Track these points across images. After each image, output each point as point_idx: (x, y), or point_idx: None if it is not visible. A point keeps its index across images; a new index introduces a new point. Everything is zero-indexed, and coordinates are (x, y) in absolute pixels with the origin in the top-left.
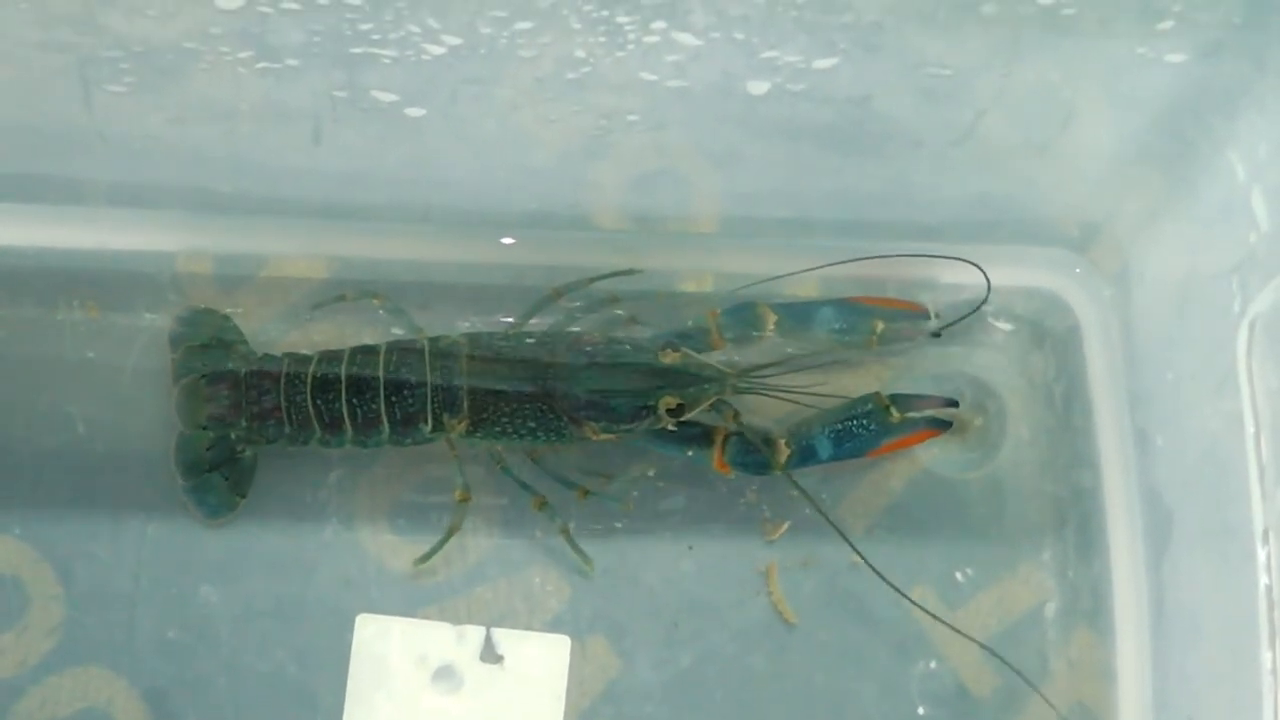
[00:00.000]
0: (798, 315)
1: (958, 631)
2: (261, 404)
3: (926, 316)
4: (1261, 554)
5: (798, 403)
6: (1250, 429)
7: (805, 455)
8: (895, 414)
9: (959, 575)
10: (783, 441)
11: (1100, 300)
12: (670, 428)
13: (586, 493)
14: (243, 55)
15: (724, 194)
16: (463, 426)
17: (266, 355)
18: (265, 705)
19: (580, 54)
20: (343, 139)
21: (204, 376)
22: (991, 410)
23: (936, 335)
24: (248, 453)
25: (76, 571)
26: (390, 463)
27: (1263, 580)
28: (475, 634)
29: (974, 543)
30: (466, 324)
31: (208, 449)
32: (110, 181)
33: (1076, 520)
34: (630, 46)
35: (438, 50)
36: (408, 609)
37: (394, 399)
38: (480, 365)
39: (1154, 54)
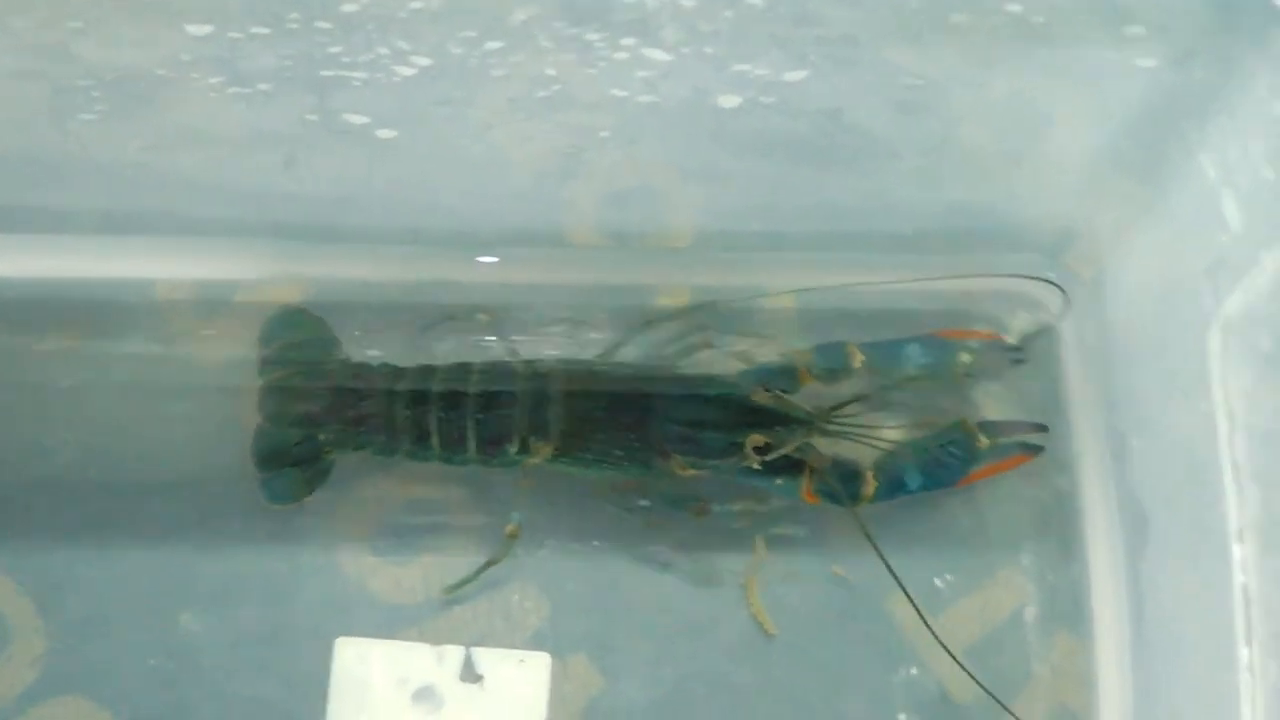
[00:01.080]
0: (884, 353)
1: (969, 674)
2: (358, 409)
3: (1006, 345)
4: (1237, 553)
5: (882, 442)
6: (1224, 429)
7: (893, 487)
8: (984, 440)
9: (939, 582)
10: (870, 474)
11: (1077, 306)
12: (755, 466)
13: (702, 511)
14: (214, 81)
15: (699, 208)
16: (549, 451)
17: (362, 362)
18: None
19: (551, 72)
20: (316, 163)
21: (299, 375)
22: (969, 416)
23: (1020, 361)
24: (331, 455)
25: (61, 600)
26: (370, 484)
27: (1239, 579)
28: (455, 654)
29: (953, 549)
30: (450, 346)
31: (295, 445)
32: (88, 209)
33: (1055, 524)
34: (601, 64)
35: (408, 72)
36: (388, 631)
37: (481, 417)
38: (574, 390)
39: (1125, 60)
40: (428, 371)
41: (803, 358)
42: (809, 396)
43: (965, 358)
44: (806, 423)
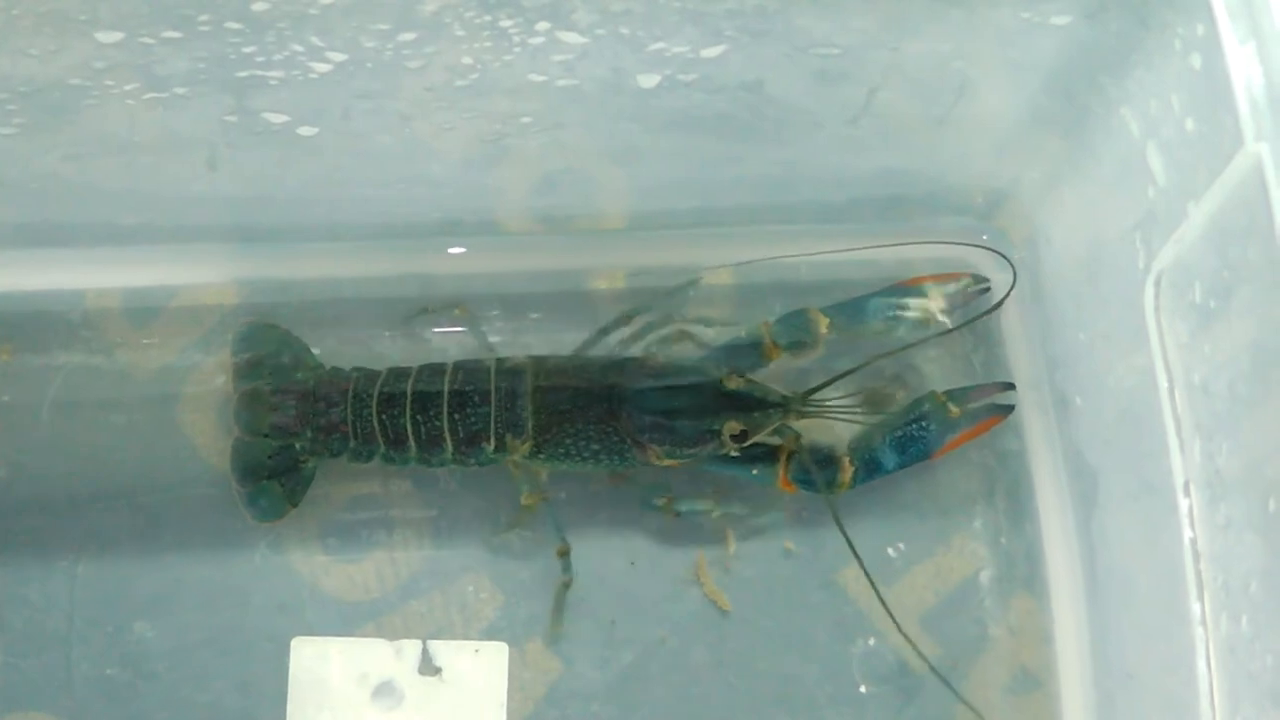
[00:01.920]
0: (849, 313)
1: (916, 650)
2: (329, 416)
3: (976, 279)
4: (1184, 506)
5: (860, 422)
6: (1164, 384)
7: (871, 469)
8: (954, 409)
9: (891, 551)
10: (847, 459)
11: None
12: (733, 453)
13: (674, 510)
14: (129, 87)
15: (629, 189)
16: (526, 448)
17: (335, 368)
18: None
19: (468, 60)
20: (239, 163)
21: (269, 385)
22: (913, 383)
23: (985, 290)
24: (310, 464)
25: (9, 617)
26: (317, 483)
27: (1187, 533)
28: (412, 648)
29: (905, 517)
30: (388, 336)
31: (270, 457)
32: (13, 223)
33: (1005, 487)
34: (517, 49)
35: (324, 68)
36: (344, 629)
37: (457, 417)
38: (546, 386)
39: (1040, 18)
40: (400, 374)
41: (766, 329)
42: (781, 371)
43: (928, 301)
44: (782, 406)
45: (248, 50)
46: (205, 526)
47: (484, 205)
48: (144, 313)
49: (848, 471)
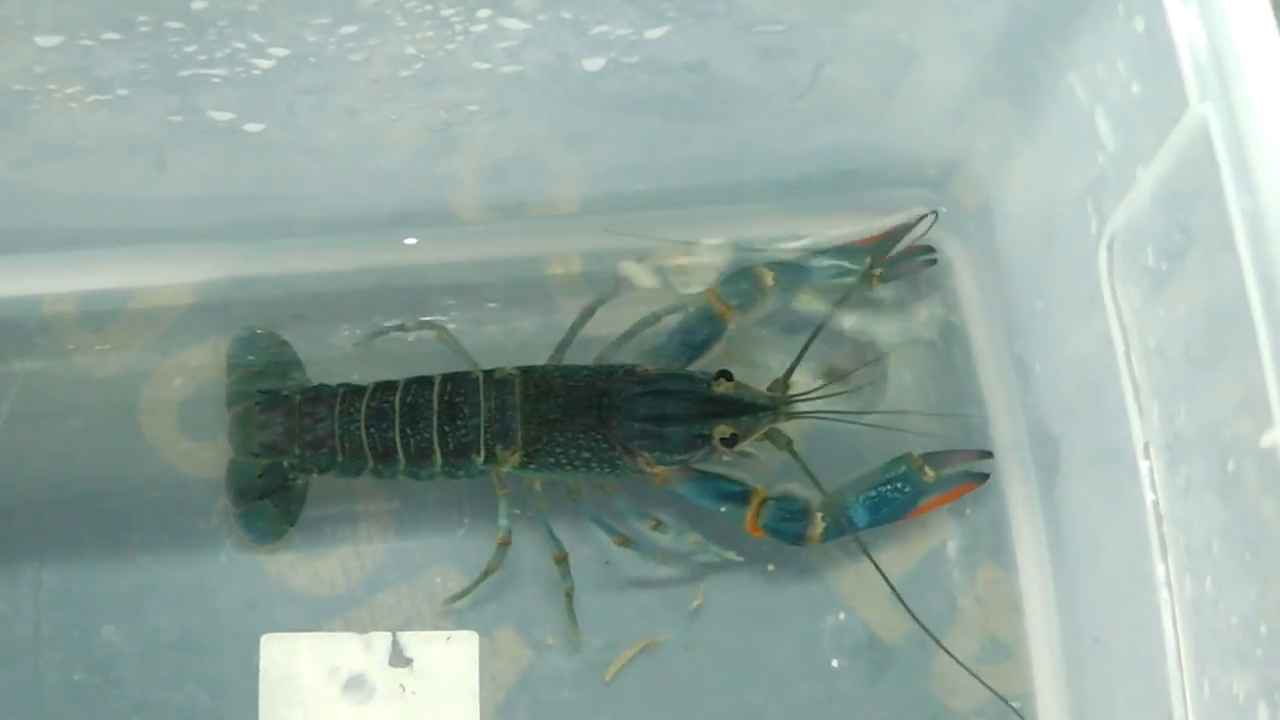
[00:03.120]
0: (794, 269)
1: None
2: (315, 432)
3: (923, 249)
4: (1145, 469)
5: (851, 424)
6: (1120, 348)
7: (841, 527)
8: (930, 473)
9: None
10: (819, 515)
11: (966, 236)
12: (725, 458)
13: (625, 541)
14: (71, 90)
15: (580, 174)
16: (516, 459)
17: (321, 384)
18: None
19: (411, 51)
20: (188, 163)
21: (258, 403)
22: (869, 355)
23: (932, 262)
24: (300, 481)
25: None
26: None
27: (1149, 496)
28: (382, 641)
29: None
30: (346, 331)
31: (259, 476)
32: None
33: None
34: (459, 38)
35: (266, 64)
36: (313, 624)
37: (447, 429)
38: (534, 395)
39: None
40: (388, 387)
41: (714, 296)
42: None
43: (875, 261)
44: (770, 409)
45: (189, 49)
46: (170, 528)
47: (436, 195)
48: (100, 316)
49: (818, 527)
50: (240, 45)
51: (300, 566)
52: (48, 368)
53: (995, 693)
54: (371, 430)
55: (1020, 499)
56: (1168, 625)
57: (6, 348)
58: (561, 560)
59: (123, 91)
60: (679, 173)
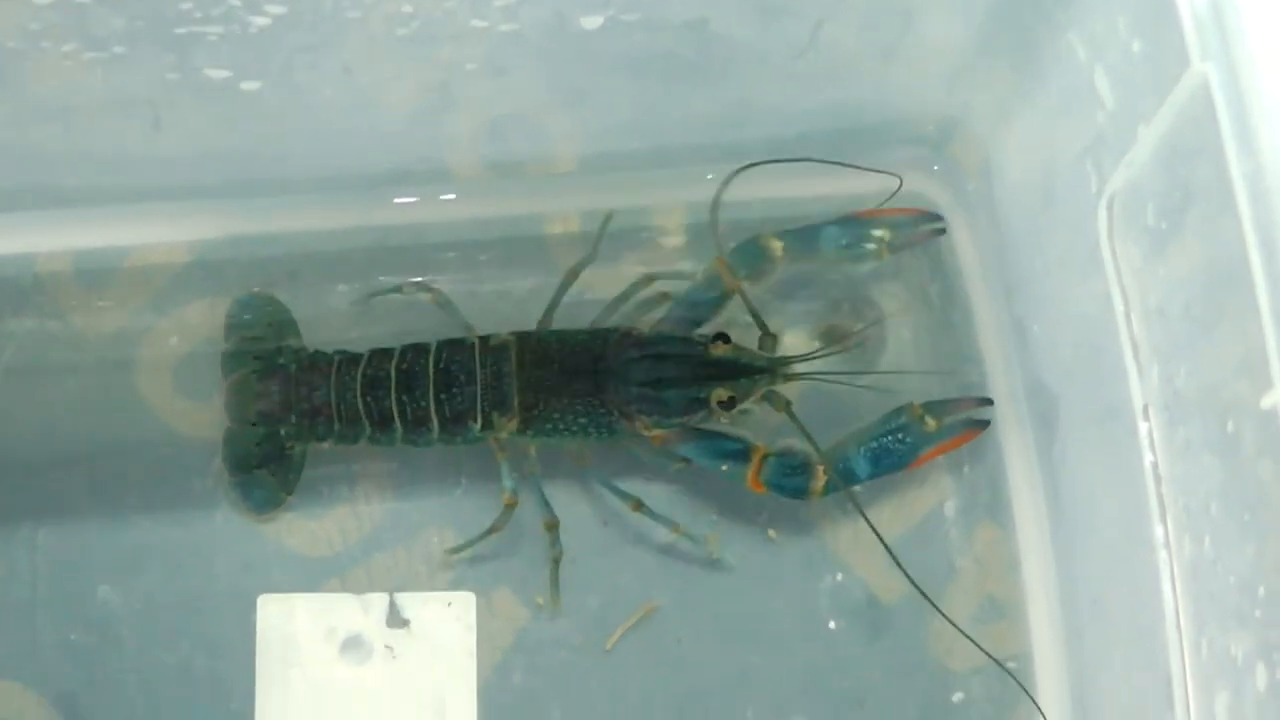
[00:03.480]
0: (803, 239)
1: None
2: (311, 401)
3: (932, 218)
4: (1144, 430)
5: (849, 385)
6: (1120, 308)
7: (844, 478)
8: (931, 422)
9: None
10: (820, 468)
11: (965, 196)
12: (724, 420)
13: (640, 506)
14: (67, 48)
15: (578, 132)
16: (513, 425)
17: (318, 352)
18: (177, 698)
19: (408, 9)
20: (184, 121)
21: (255, 372)
22: (869, 316)
23: (941, 232)
24: (297, 449)
25: None
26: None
27: (1148, 457)
28: (379, 601)
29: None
30: (343, 289)
31: (256, 445)
32: None
33: None
34: None
35: (263, 21)
36: (309, 585)
37: (443, 396)
38: (530, 361)
39: None
40: (384, 355)
41: (722, 265)
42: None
43: (885, 234)
44: (768, 370)
45: (185, 6)
46: (166, 488)
47: (433, 154)
48: (95, 275)
49: (820, 480)
50: (236, 3)
51: (297, 527)
52: (43, 327)
53: (988, 654)
54: (368, 399)
55: (1018, 459)
56: (1166, 586)
57: (1, 307)
58: (552, 527)
59: (118, 49)
60: (678, 132)
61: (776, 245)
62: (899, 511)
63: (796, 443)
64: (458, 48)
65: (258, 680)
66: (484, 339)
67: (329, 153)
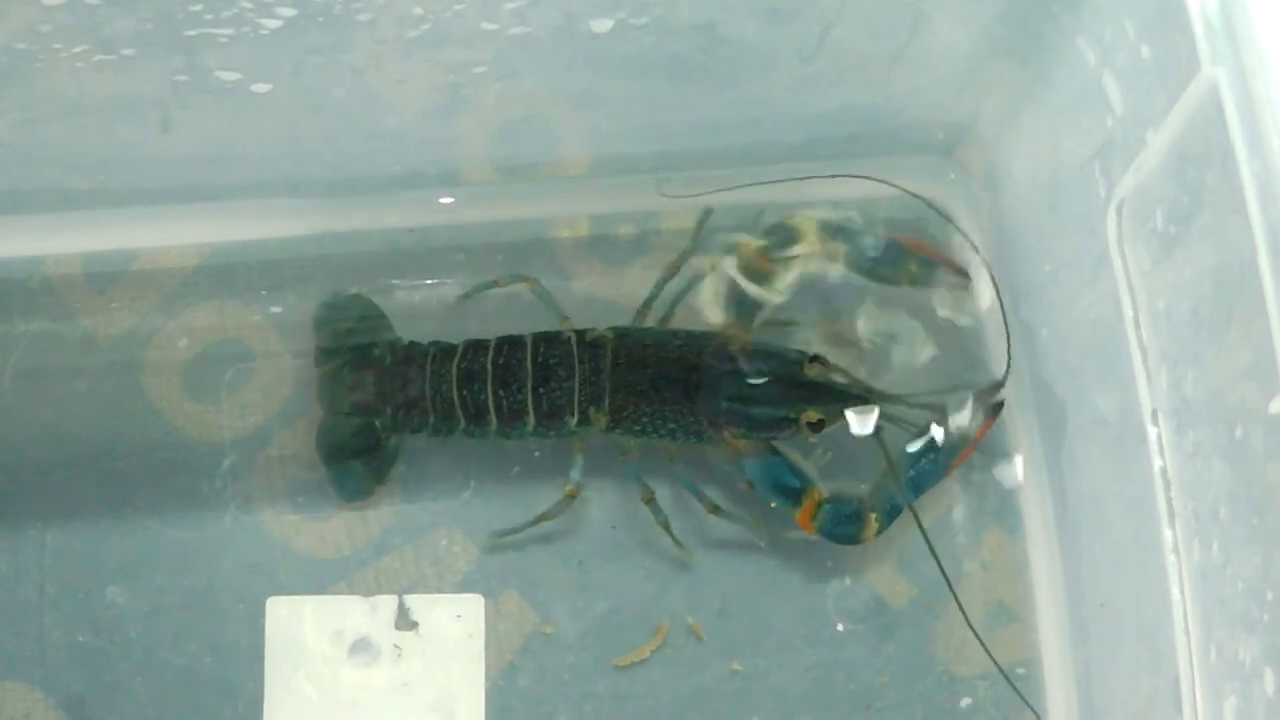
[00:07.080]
0: (844, 232)
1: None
2: (407, 393)
3: (957, 269)
4: (1152, 434)
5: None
6: (1129, 312)
7: (893, 514)
8: (954, 426)
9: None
10: (872, 515)
11: (973, 200)
12: (811, 439)
13: (715, 509)
14: (77, 50)
15: (588, 135)
16: (604, 421)
17: (413, 343)
18: (185, 700)
19: (418, 11)
20: (193, 123)
21: (347, 363)
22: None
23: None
24: (392, 441)
25: None
26: (285, 443)
27: (1156, 462)
28: (388, 604)
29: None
30: (354, 290)
31: (352, 436)
32: None
33: None
34: None
35: (274, 24)
36: (318, 587)
37: (541, 390)
38: (626, 362)
39: None
40: (478, 347)
41: (752, 247)
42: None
43: (915, 267)
44: (863, 399)
45: (195, 8)
46: (174, 490)
47: (443, 157)
48: (104, 277)
49: (872, 528)
50: (247, 5)
51: (305, 528)
52: (52, 329)
53: (996, 664)
54: (464, 392)
55: (1026, 463)
56: (1174, 590)
57: (11, 308)
58: (649, 500)
59: (128, 51)
60: (687, 134)
61: (811, 224)
62: (908, 516)
63: (847, 486)
64: (468, 50)
65: (266, 682)
66: (580, 333)
67: (338, 155)
